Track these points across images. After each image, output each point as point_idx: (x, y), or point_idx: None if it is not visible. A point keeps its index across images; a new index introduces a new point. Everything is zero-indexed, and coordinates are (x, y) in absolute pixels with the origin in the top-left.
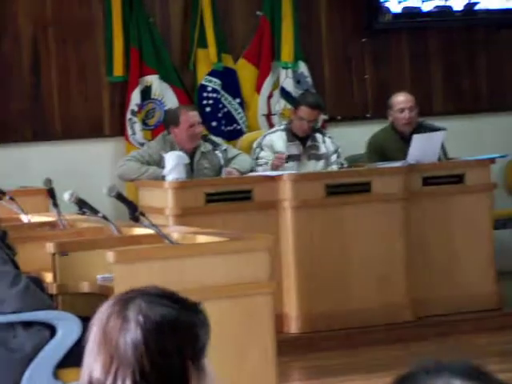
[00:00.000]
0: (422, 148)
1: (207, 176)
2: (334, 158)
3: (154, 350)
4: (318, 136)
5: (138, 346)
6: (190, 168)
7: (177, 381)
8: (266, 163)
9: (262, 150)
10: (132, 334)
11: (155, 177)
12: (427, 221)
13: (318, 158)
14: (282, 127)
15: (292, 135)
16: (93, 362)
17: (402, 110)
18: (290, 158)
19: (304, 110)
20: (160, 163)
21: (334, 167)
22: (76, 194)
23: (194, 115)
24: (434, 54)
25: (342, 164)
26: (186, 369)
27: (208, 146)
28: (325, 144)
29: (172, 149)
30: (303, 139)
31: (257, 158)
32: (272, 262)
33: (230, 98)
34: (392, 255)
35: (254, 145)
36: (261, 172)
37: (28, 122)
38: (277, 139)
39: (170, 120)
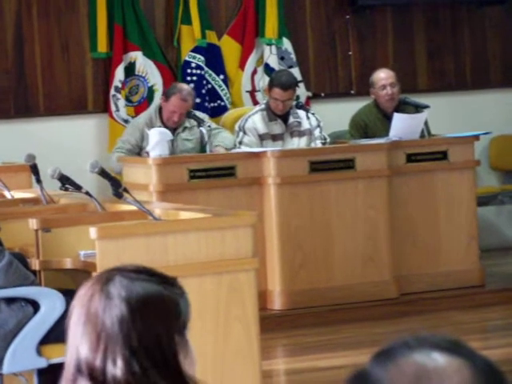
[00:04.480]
0: (404, 126)
1: (187, 147)
2: (317, 132)
3: (141, 324)
4: (301, 112)
5: (124, 321)
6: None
7: (166, 355)
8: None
9: (245, 134)
10: (117, 309)
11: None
12: (411, 198)
13: (300, 134)
14: (263, 107)
15: (272, 114)
16: (79, 343)
17: (384, 87)
18: (273, 137)
19: (277, 92)
20: (142, 141)
21: (318, 142)
22: (59, 169)
23: (181, 105)
24: (419, 30)
25: (325, 138)
26: (174, 342)
27: (193, 122)
28: (309, 120)
29: (152, 127)
30: (284, 117)
31: (240, 143)
32: (255, 238)
33: (213, 75)
34: (375, 232)
35: (236, 128)
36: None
37: (11, 99)
38: (258, 121)
39: (166, 92)
